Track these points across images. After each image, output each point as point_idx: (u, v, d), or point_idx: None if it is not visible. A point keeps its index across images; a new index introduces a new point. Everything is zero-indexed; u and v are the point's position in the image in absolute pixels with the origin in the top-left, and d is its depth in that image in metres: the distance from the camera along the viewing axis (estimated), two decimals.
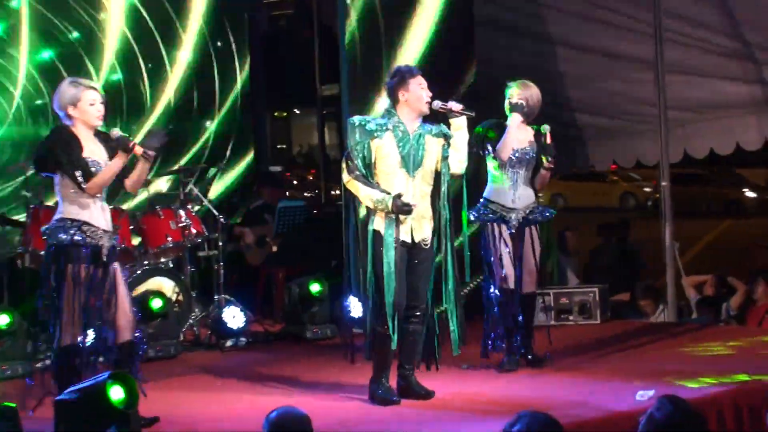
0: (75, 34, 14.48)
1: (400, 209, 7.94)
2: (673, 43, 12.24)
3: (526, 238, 9.29)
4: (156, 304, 10.43)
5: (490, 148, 9.18)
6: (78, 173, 7.52)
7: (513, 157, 9.20)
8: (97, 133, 7.75)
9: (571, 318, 11.74)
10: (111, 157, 7.67)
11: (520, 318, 9.23)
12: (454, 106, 8.23)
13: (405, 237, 8.09)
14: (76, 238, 7.55)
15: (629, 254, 14.60)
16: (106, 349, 7.69)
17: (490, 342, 9.21)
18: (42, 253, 10.40)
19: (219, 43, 15.42)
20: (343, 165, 8.17)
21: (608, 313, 11.97)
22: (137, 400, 6.85)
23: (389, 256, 7.99)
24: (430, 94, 8.19)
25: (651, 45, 12.09)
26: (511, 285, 9.19)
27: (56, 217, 7.69)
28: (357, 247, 8.24)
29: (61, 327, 7.59)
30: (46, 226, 7.70)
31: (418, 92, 8.15)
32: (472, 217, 9.12)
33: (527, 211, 9.30)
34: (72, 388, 6.99)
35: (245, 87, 15.63)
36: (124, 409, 6.72)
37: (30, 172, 11.22)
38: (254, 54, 15.83)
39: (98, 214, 7.65)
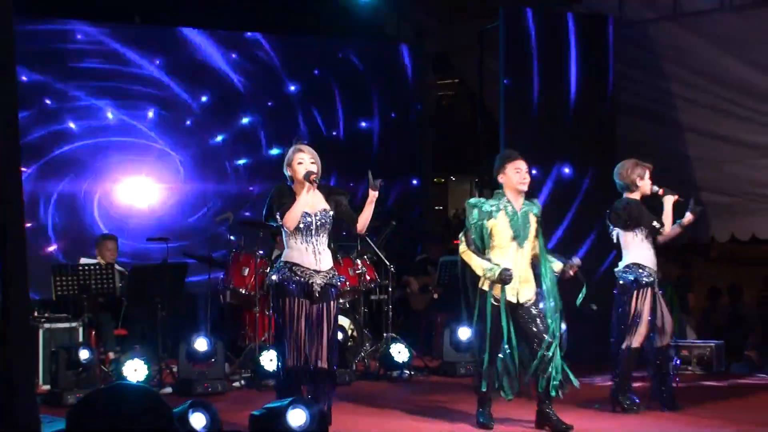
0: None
1: (504, 279, 8.19)
2: None
3: (661, 299, 9.34)
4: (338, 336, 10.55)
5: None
6: (278, 214, 7.70)
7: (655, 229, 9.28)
8: (321, 188, 7.88)
9: (689, 368, 11.79)
10: (332, 208, 7.88)
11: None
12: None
13: (511, 298, 8.34)
14: (284, 276, 7.75)
15: (741, 316, 14.18)
16: (310, 375, 7.75)
17: (621, 393, 9.22)
18: (241, 290, 11.15)
19: (393, 115, 15.79)
20: (462, 238, 8.48)
21: (723, 366, 11.97)
22: (316, 426, 6.92)
23: (494, 314, 8.29)
24: (525, 178, 8.43)
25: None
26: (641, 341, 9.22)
27: (278, 261, 7.93)
28: (468, 305, 8.47)
29: (280, 352, 7.82)
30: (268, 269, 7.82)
31: (513, 176, 8.43)
32: (631, 278, 9.16)
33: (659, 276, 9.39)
34: (266, 406, 7.21)
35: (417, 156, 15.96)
36: None
37: (233, 221, 12.10)
38: (422, 127, 16.07)
39: (309, 257, 7.75)
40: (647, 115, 13.69)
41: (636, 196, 9.31)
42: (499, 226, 8.40)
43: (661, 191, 9.34)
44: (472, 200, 8.57)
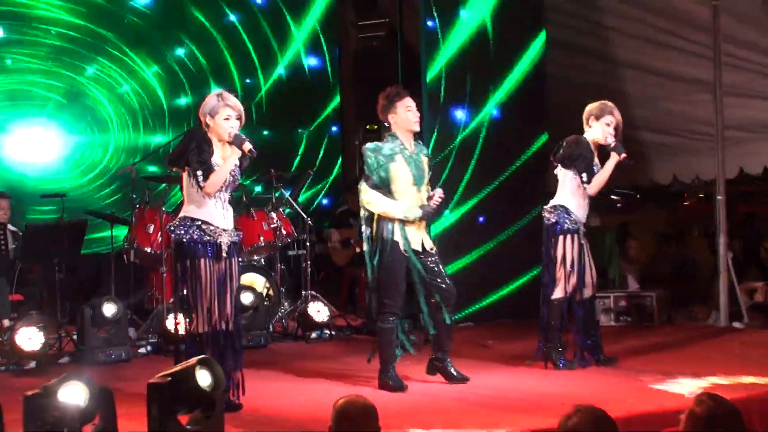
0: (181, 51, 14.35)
1: (427, 213, 8.16)
2: (729, 66, 11.81)
3: (586, 247, 9.06)
4: (246, 299, 10.43)
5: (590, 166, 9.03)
6: (200, 173, 7.34)
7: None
8: (236, 139, 7.46)
9: (629, 320, 11.52)
10: (242, 166, 7.58)
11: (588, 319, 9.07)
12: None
13: (417, 246, 8.21)
14: (194, 235, 7.39)
15: (686, 263, 13.95)
16: (220, 337, 7.48)
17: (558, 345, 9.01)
18: (146, 249, 10.85)
19: (313, 61, 15.25)
20: (364, 186, 8.25)
21: (665, 316, 11.73)
22: (222, 386, 6.56)
23: (406, 262, 8.16)
24: (418, 116, 8.26)
25: (709, 68, 11.74)
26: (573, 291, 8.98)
27: (180, 215, 7.52)
28: (373, 256, 8.28)
29: (185, 316, 7.52)
30: (171, 224, 7.53)
31: (405, 115, 8.20)
32: (553, 220, 8.93)
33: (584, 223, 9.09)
34: (163, 372, 6.64)
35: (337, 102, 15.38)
36: (210, 393, 6.38)
37: (136, 176, 11.37)
38: (344, 71, 15.45)
39: (218, 214, 7.45)
40: (578, 50, 13.24)
41: (590, 137, 9.00)
42: (400, 171, 8.18)
43: (613, 144, 8.96)
44: (371, 145, 8.27)
